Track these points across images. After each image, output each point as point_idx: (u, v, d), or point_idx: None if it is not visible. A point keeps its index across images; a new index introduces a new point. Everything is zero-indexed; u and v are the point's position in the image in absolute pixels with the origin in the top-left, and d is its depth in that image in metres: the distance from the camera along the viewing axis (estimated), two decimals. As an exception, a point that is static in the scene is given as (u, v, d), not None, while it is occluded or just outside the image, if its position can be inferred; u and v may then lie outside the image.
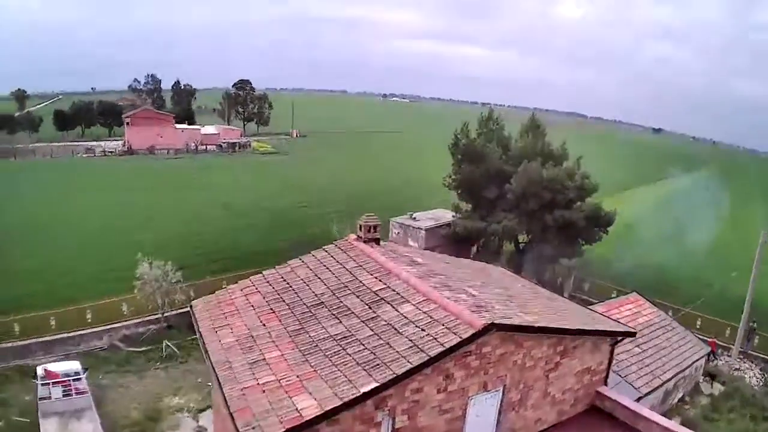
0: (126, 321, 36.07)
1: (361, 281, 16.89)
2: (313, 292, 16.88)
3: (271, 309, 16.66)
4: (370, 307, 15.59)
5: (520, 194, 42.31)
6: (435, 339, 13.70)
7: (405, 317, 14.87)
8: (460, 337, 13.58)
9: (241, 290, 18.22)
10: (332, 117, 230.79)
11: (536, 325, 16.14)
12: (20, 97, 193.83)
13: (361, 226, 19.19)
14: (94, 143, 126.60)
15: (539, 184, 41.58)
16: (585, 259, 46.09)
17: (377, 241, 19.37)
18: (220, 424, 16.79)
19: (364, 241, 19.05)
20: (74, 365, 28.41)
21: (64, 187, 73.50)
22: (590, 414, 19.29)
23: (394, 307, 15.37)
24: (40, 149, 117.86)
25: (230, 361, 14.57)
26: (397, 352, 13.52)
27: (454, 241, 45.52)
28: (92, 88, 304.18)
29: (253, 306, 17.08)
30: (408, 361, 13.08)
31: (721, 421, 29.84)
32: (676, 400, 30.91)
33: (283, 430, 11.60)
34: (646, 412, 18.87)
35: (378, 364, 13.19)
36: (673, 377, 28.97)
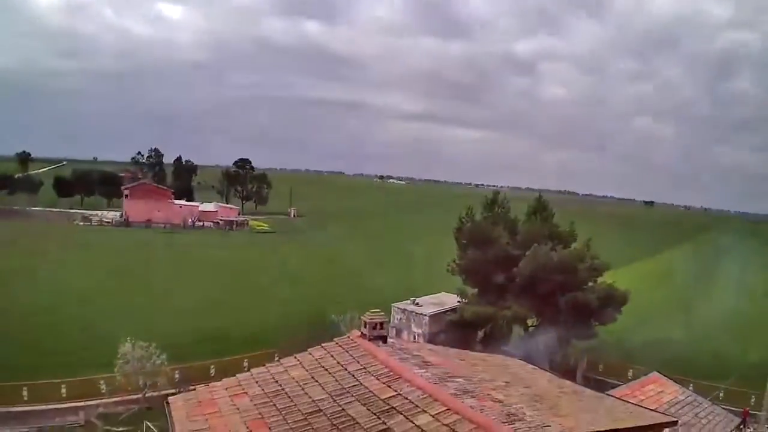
0: (104, 399, 34.51)
1: (366, 386, 14.60)
2: (310, 398, 14.54)
3: (260, 414, 14.27)
4: (379, 418, 13.23)
5: (529, 278, 40.69)
6: (461, 458, 11.43)
7: (423, 430, 12.55)
8: (493, 457, 11.33)
9: (226, 389, 15.83)
10: (329, 198, 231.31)
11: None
12: (24, 159, 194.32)
13: (365, 323, 17.07)
14: (92, 212, 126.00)
15: (549, 267, 40.26)
16: (597, 338, 44.88)
17: (384, 339, 17.21)
18: None
19: (369, 339, 16.91)
20: None
21: (56, 252, 72.20)
22: None
23: (407, 418, 13.05)
24: (38, 213, 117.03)
25: (209, 478, 12.25)
26: (415, 476, 11.24)
27: (460, 327, 43.41)
28: (94, 158, 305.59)
29: (238, 409, 14.68)
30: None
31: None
32: (710, 477, 29.11)
33: None
34: None
35: (391, 492, 10.90)
36: None
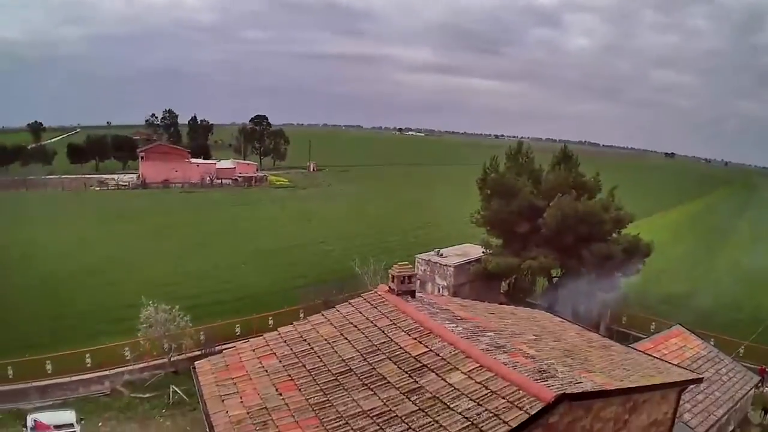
0: (129, 366, 33.63)
1: (397, 343, 14.11)
2: (340, 356, 14.10)
3: (289, 375, 13.90)
4: (410, 376, 12.80)
5: (554, 229, 39.86)
6: (497, 416, 10.84)
7: (455, 388, 12.05)
8: (528, 414, 10.74)
9: (253, 351, 15.45)
10: (348, 151, 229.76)
11: (609, 388, 13.62)
12: (36, 129, 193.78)
13: (393, 277, 16.46)
14: (108, 176, 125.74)
15: (574, 218, 39.34)
16: (620, 289, 43.96)
17: (412, 293, 16.65)
18: None
19: (397, 294, 16.35)
20: (68, 416, 26.22)
21: (71, 219, 71.81)
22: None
23: (440, 376, 12.59)
24: (52, 181, 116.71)
25: (239, 441, 11.85)
26: (450, 434, 10.72)
27: (484, 278, 42.90)
28: (108, 122, 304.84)
29: (267, 371, 14.31)
30: (466, 448, 10.31)
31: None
32: (727, 434, 29.10)
33: None
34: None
35: (427, 452, 10.43)
36: (726, 412, 27.05)
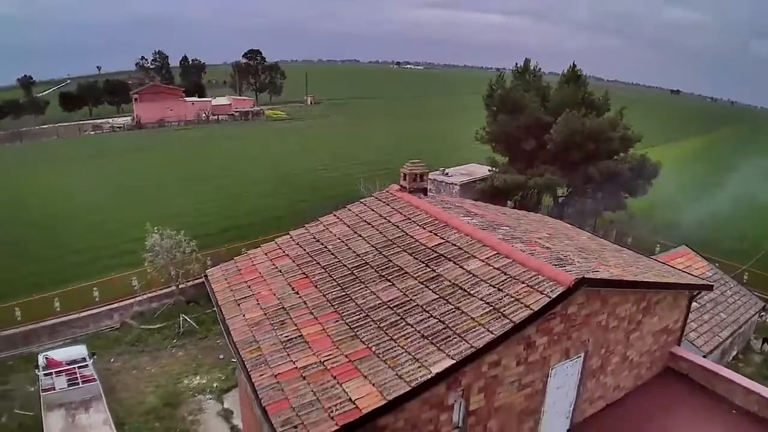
0: (137, 297, 33.29)
1: (411, 236, 13.81)
2: (354, 252, 13.82)
3: (304, 274, 13.64)
4: (427, 266, 12.55)
5: (561, 145, 39.23)
6: (517, 300, 10.70)
7: (474, 275, 11.83)
8: (549, 297, 10.57)
9: (266, 254, 15.15)
10: (346, 85, 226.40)
11: (627, 278, 13.46)
12: (26, 83, 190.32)
13: (405, 175, 16.04)
14: (102, 121, 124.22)
15: (582, 134, 38.64)
16: (625, 212, 43.95)
17: (424, 191, 16.26)
18: (249, 418, 14.08)
19: (409, 192, 15.97)
20: (80, 350, 26.17)
21: (69, 163, 71.13)
22: (665, 376, 16.94)
23: (458, 264, 12.33)
24: (47, 131, 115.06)
25: (258, 341, 11.59)
26: (472, 318, 10.51)
27: (490, 196, 42.44)
28: (98, 68, 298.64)
29: (281, 272, 14.04)
30: (488, 330, 10.08)
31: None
32: (730, 358, 29.15)
33: (336, 427, 8.66)
34: (726, 372, 16.60)
35: (449, 336, 10.21)
36: (731, 335, 26.96)
